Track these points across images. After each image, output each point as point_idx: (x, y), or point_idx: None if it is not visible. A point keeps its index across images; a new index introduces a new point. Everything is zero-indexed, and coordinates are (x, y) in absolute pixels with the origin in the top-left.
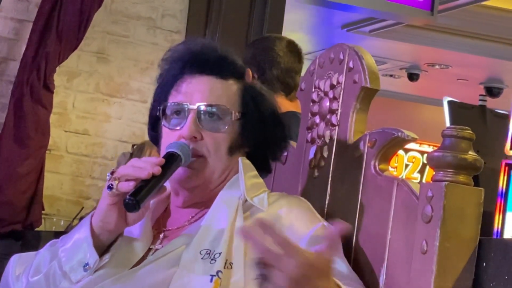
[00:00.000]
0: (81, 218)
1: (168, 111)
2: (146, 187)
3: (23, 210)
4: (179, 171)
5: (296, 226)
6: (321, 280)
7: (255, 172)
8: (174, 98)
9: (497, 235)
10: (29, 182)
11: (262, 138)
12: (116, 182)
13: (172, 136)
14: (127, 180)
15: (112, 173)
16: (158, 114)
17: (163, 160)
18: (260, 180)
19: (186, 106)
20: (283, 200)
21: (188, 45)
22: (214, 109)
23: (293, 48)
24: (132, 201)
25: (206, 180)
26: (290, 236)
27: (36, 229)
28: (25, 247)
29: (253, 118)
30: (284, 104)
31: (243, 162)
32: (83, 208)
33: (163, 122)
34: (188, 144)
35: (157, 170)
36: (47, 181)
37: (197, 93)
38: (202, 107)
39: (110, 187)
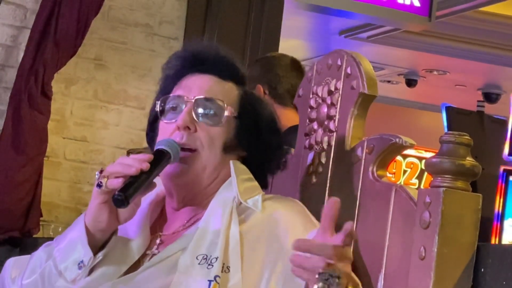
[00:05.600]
0: None
1: (166, 106)
2: (135, 183)
3: (21, 217)
4: (171, 166)
5: (292, 232)
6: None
7: (249, 176)
8: (173, 93)
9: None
10: (27, 189)
11: (257, 142)
12: (105, 180)
13: (167, 130)
14: (116, 177)
15: (101, 171)
16: (156, 109)
17: (152, 157)
18: (255, 183)
19: (184, 98)
20: (278, 203)
21: (189, 47)
22: (210, 103)
23: (297, 66)
24: (121, 197)
25: (198, 176)
26: (286, 242)
27: (34, 236)
28: (23, 254)
29: (250, 120)
30: (295, 118)
31: (235, 166)
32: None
33: (161, 117)
34: (178, 141)
35: (146, 166)
36: (45, 188)
37: (196, 88)
38: (199, 100)
39: (99, 185)
